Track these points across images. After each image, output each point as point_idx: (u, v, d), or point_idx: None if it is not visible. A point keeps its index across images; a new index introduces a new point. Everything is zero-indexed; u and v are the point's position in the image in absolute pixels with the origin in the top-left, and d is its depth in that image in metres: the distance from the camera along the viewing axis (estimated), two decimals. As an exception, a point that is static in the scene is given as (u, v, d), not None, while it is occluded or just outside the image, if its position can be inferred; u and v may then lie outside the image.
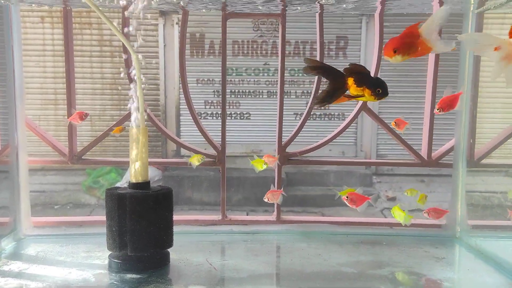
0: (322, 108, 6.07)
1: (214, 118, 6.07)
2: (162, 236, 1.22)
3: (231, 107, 6.07)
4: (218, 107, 6.04)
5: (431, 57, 1.53)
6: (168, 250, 1.27)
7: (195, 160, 1.54)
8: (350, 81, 0.91)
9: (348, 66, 0.91)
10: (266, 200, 1.50)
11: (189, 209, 5.32)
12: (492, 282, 1.23)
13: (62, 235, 1.49)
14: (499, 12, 1.50)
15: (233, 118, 6.06)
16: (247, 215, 4.98)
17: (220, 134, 1.58)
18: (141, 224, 1.18)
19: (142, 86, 1.23)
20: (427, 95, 1.58)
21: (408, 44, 0.85)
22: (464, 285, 1.23)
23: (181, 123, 6.10)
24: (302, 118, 1.65)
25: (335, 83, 0.92)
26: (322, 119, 6.07)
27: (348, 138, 6.07)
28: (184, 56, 1.58)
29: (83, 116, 1.54)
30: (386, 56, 0.87)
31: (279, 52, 1.57)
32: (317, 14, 1.55)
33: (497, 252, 1.36)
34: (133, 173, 1.24)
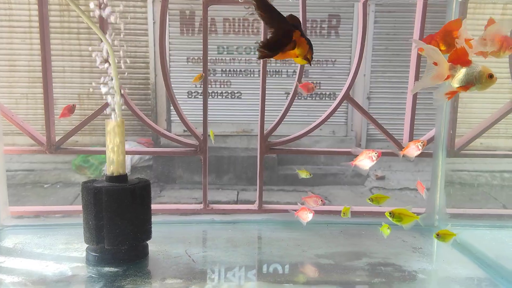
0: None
1: (205, 97, 6.02)
2: (140, 229, 1.21)
3: (222, 86, 6.01)
4: (209, 86, 5.98)
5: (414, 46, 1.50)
6: (147, 242, 1.27)
7: (303, 174, 1.61)
8: (297, 33, 0.80)
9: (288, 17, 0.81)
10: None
11: (180, 188, 5.33)
12: (466, 273, 1.25)
13: (41, 226, 1.48)
14: (486, 2, 1.47)
15: (224, 97, 6.01)
16: (237, 194, 5.01)
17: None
18: (118, 218, 1.17)
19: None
20: (410, 84, 1.57)
21: None
22: (438, 276, 1.25)
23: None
24: (285, 106, 1.63)
25: (281, 31, 0.80)
26: (313, 98, 6.04)
27: (339, 117, 6.06)
28: (164, 43, 1.54)
29: (72, 109, 1.53)
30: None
31: (261, 37, 1.53)
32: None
33: (473, 243, 1.38)
34: (110, 166, 1.22)
